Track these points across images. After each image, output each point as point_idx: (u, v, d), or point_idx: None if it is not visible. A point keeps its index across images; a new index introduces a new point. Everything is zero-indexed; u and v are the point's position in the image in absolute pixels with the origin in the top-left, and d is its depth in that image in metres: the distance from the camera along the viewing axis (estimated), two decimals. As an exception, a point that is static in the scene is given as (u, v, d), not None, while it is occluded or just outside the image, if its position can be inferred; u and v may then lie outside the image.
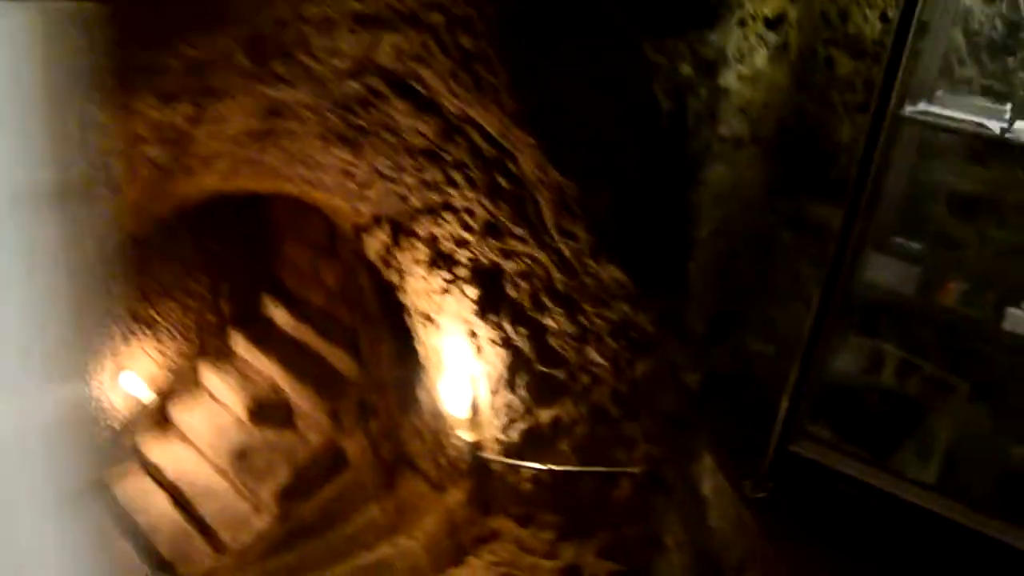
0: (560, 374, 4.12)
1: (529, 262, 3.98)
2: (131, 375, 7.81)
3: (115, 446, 7.92)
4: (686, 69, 2.72)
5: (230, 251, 8.23)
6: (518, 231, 3.90)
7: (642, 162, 2.99)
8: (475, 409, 5.01)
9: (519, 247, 3.99)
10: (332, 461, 7.61)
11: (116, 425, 7.86)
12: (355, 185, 4.89)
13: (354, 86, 3.80)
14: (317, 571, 5.05)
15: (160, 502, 7.78)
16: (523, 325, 4.29)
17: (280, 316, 8.51)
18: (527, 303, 4.17)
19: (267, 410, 8.18)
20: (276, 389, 8.29)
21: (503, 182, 3.78)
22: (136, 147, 4.06)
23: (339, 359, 7.99)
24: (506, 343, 4.52)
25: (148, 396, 7.93)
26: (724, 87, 2.74)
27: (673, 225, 3.04)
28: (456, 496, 5.34)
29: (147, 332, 7.87)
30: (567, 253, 3.54)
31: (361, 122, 4.14)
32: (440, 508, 5.36)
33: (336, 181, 4.93)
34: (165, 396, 8.19)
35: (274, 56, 3.54)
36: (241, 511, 7.50)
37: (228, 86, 3.80)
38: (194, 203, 5.40)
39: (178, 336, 8.12)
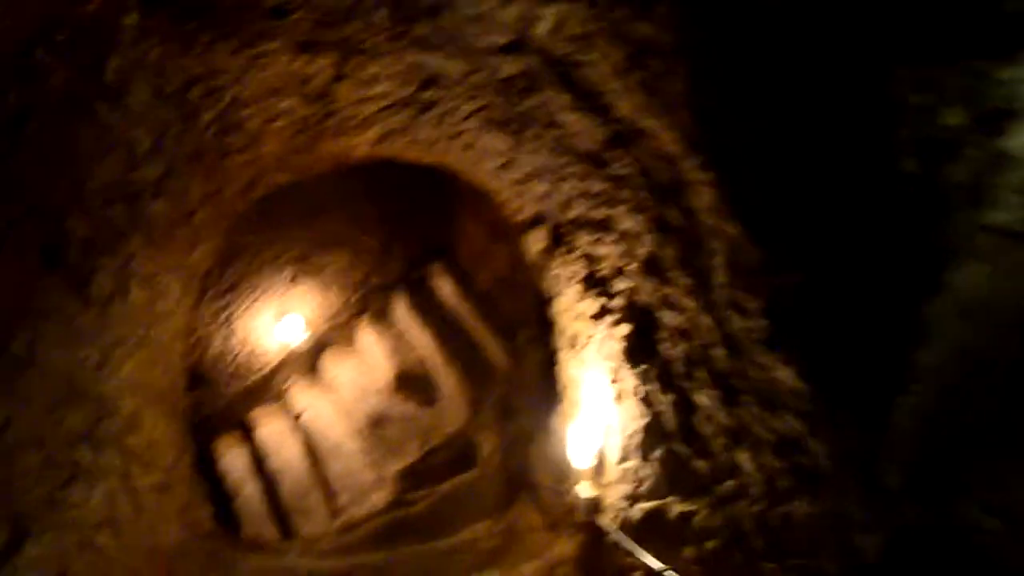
0: (701, 466, 3.22)
1: (689, 320, 3.09)
2: (292, 319, 7.74)
3: (265, 386, 7.93)
4: (954, 117, 1.72)
5: (409, 212, 7.89)
6: (682, 280, 3.03)
7: (860, 242, 2.03)
8: (601, 463, 4.21)
9: (681, 299, 3.11)
10: (461, 454, 7.12)
11: (270, 366, 7.86)
12: (515, 178, 4.19)
13: (511, 65, 3.07)
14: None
15: (293, 448, 7.71)
16: (670, 390, 3.42)
17: (445, 289, 8.10)
18: (678, 367, 3.29)
19: (412, 382, 7.84)
20: (425, 363, 7.93)
21: (673, 216, 2.91)
22: (271, 99, 3.60)
23: (493, 349, 7.45)
24: (647, 403, 3.67)
25: (304, 342, 7.84)
26: (1008, 152, 1.71)
27: (889, 339, 2.06)
28: (565, 548, 4.60)
29: (314, 280, 7.75)
30: (734, 329, 2.63)
31: (520, 109, 3.41)
32: (546, 557, 4.65)
33: (496, 169, 4.26)
34: (320, 345, 8.09)
35: (415, 15, 2.89)
36: (363, 480, 7.24)
37: (369, 44, 3.21)
38: (351, 164, 4.97)
39: (343, 288, 7.95)
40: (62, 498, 3.27)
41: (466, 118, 3.81)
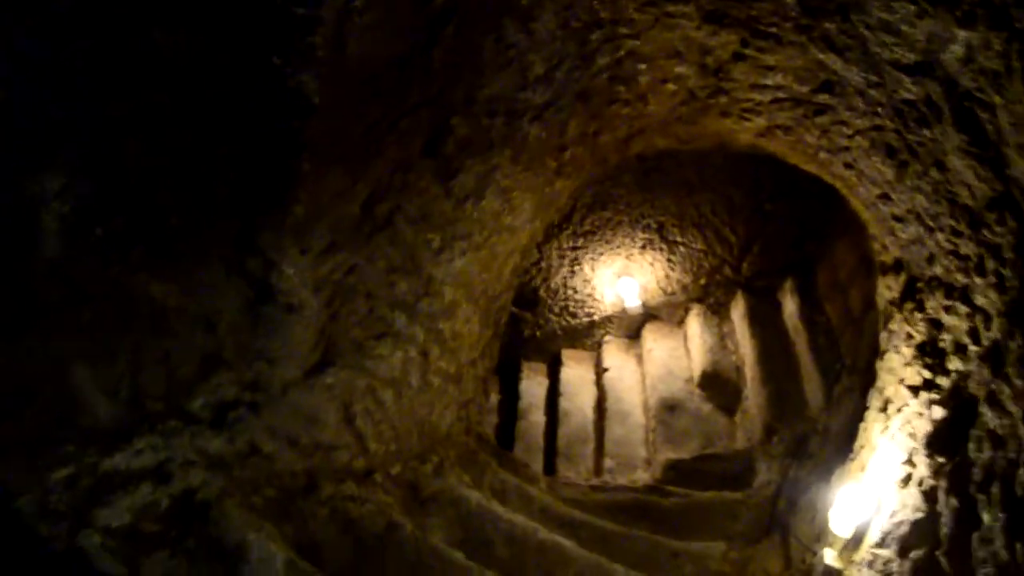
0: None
1: (1007, 428, 2.63)
2: (630, 280, 7.99)
3: (585, 332, 8.32)
4: None
5: (780, 216, 7.57)
6: (1017, 380, 2.57)
7: None
8: (858, 538, 3.81)
9: (1008, 401, 2.65)
10: (736, 472, 6.88)
11: (596, 316, 8.22)
12: (887, 213, 3.83)
13: (913, 87, 2.79)
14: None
15: (586, 398, 8.05)
16: (957, 494, 2.96)
17: (789, 307, 7.72)
18: (977, 473, 2.82)
19: (720, 384, 7.71)
20: (740, 371, 7.70)
21: (1035, 306, 2.48)
22: (668, 60, 3.71)
23: (813, 387, 7.00)
24: (930, 498, 3.22)
25: (634, 307, 8.06)
26: None
27: None
28: (791, 608, 4.29)
29: (664, 250, 7.88)
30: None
31: (911, 140, 3.09)
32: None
33: (871, 197, 3.93)
34: (647, 315, 8.25)
35: (825, 8, 2.76)
36: (634, 455, 7.36)
37: (775, 29, 3.14)
38: (732, 151, 4.91)
39: (689, 270, 7.97)
40: (369, 347, 3.81)
41: (853, 135, 3.56)
